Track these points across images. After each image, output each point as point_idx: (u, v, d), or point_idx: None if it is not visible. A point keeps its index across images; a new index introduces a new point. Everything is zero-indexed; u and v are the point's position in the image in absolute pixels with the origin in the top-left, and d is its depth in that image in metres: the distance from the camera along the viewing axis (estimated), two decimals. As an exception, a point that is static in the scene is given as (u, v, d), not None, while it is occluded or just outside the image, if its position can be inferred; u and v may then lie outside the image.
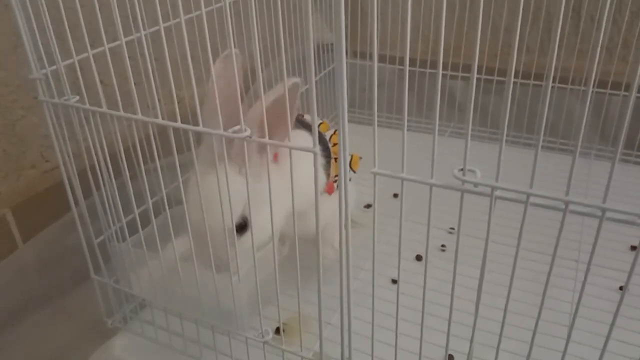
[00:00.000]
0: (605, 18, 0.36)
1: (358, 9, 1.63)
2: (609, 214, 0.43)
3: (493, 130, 1.45)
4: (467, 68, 1.42)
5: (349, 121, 0.51)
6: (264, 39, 1.00)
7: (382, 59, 1.49)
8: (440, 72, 0.45)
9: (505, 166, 0.46)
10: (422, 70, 1.46)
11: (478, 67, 0.43)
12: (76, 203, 0.80)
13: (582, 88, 1.32)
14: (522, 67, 1.35)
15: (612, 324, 0.49)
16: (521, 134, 1.42)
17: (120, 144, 0.73)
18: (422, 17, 1.43)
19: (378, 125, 0.52)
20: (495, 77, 1.38)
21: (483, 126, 1.45)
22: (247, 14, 0.65)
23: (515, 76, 1.36)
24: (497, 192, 0.47)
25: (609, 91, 1.32)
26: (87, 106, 0.69)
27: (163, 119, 0.63)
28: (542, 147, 1.39)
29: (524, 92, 1.38)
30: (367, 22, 1.61)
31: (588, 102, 0.42)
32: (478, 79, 1.40)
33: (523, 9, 1.36)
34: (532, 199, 0.46)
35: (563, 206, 0.45)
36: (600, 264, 0.97)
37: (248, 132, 0.55)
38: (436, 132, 0.47)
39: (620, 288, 0.95)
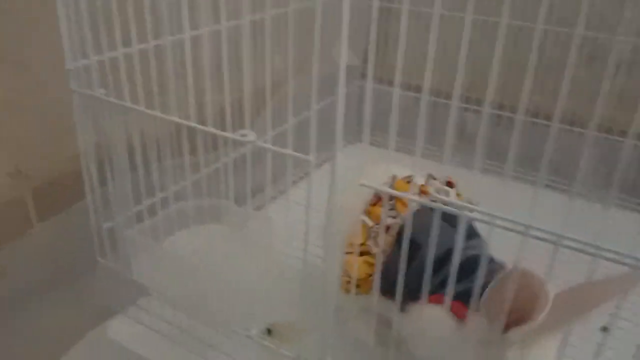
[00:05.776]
0: (612, 63, 0.39)
1: (384, 37, 1.68)
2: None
3: (499, 164, 1.47)
4: (479, 102, 1.45)
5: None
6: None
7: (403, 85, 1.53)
8: (455, 114, 0.48)
9: (509, 199, 0.50)
10: (438, 99, 1.50)
11: (491, 101, 0.45)
12: (92, 190, 0.84)
13: (582, 130, 1.34)
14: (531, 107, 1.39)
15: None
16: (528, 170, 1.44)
17: (142, 139, 0.78)
18: (444, 49, 1.47)
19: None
20: (506, 113, 1.42)
21: (491, 159, 1.47)
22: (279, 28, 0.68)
23: (527, 115, 1.40)
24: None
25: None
26: (116, 100, 0.74)
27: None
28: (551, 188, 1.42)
29: (536, 131, 1.40)
30: (390, 50, 1.67)
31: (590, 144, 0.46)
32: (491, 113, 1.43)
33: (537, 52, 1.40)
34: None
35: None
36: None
37: (254, 137, 0.58)
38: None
39: (603, 329, 0.95)
